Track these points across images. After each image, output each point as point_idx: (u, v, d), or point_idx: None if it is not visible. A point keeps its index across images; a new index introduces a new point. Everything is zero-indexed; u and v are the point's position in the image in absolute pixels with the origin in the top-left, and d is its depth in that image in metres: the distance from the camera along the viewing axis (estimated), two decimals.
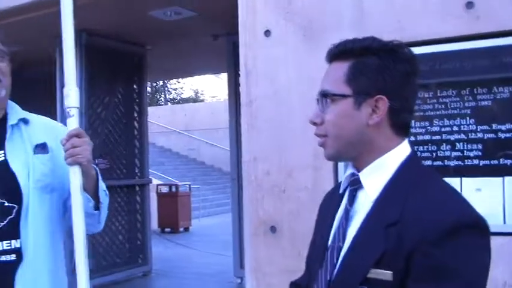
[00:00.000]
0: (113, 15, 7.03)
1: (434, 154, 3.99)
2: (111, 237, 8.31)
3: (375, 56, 1.55)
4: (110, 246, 8.30)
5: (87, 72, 7.82)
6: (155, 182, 15.68)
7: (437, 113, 4.01)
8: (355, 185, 1.60)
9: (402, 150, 1.57)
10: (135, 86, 8.96)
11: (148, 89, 40.17)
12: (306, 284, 1.75)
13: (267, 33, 4.45)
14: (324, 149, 1.63)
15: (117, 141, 8.53)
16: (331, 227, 1.66)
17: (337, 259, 1.56)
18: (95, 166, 2.38)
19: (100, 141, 8.15)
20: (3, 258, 2.20)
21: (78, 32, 7.50)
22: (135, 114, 8.94)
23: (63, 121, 2.36)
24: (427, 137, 4.02)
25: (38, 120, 2.48)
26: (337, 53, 1.61)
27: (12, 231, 2.22)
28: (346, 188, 1.65)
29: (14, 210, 2.23)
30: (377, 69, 1.54)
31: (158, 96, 42.51)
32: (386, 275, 1.41)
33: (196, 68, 11.77)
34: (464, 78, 3.98)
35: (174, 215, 15.26)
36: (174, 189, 15.87)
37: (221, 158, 23.77)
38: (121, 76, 8.64)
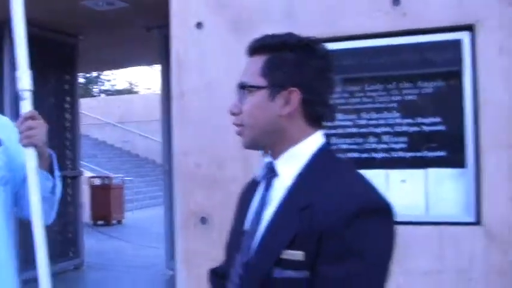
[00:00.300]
0: (44, 4, 6.89)
1: (361, 147, 4.10)
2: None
3: (291, 51, 1.62)
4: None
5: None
6: (88, 174, 15.47)
7: (365, 106, 4.11)
8: (271, 172, 1.67)
9: (315, 141, 1.65)
10: (66, 77, 8.81)
11: (82, 80, 39.60)
12: (225, 270, 1.80)
13: (199, 25, 4.46)
14: (241, 138, 1.70)
15: (48, 133, 8.35)
16: (248, 213, 1.73)
17: (253, 242, 1.63)
18: (50, 150, 2.36)
19: None
20: None
21: (7, 21, 7.32)
22: (67, 106, 8.80)
23: (13, 105, 2.34)
24: (354, 130, 4.12)
25: None
26: (256, 48, 1.68)
27: None
28: (263, 176, 1.71)
29: None
30: (292, 64, 1.61)
31: (92, 88, 41.80)
32: (298, 255, 1.49)
33: (129, 60, 11.66)
34: (391, 73, 4.09)
35: (107, 207, 15.10)
36: (107, 181, 15.70)
37: (155, 150, 23.55)
38: (52, 66, 8.46)
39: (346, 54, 4.12)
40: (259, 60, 1.65)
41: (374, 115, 4.07)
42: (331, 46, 4.21)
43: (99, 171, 19.01)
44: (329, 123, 4.06)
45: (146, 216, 16.55)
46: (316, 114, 1.65)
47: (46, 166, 2.32)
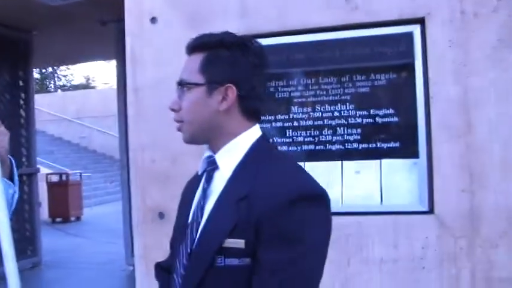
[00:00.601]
0: None
1: (316, 139, 4.14)
2: None
3: (226, 49, 1.70)
4: None
5: None
6: (44, 171, 15.26)
7: (319, 99, 4.16)
8: (212, 166, 1.75)
9: (253, 134, 1.74)
10: (20, 73, 8.69)
11: (37, 76, 39.06)
12: (170, 263, 1.87)
13: (153, 20, 4.45)
14: (182, 134, 1.78)
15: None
16: (191, 206, 1.81)
17: (196, 233, 1.70)
18: (9, 156, 2.34)
19: None
20: None
21: None
22: (21, 102, 8.68)
23: None
24: (309, 123, 4.17)
25: None
26: (194, 46, 1.75)
27: None
28: (204, 170, 1.78)
29: None
30: (227, 61, 1.69)
31: (48, 83, 41.23)
32: (239, 243, 1.58)
33: (85, 55, 11.53)
34: (344, 66, 4.15)
35: (65, 204, 14.93)
36: (64, 178, 15.51)
37: (113, 146, 23.30)
38: (5, 63, 8.36)
39: (300, 48, 4.17)
40: (197, 58, 1.72)
41: (328, 107, 4.12)
42: (285, 40, 4.29)
43: (56, 168, 18.80)
44: (285, 116, 4.12)
45: (105, 212, 16.41)
46: (252, 108, 1.74)
47: (7, 173, 2.31)
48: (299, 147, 4.18)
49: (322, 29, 4.09)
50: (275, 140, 4.19)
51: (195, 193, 1.83)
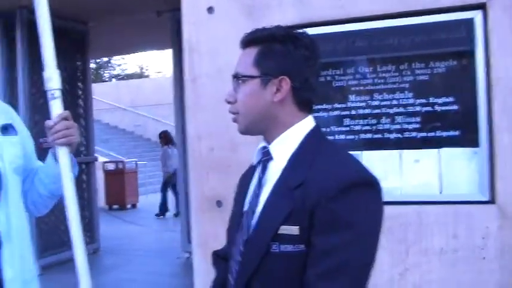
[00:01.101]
0: None
1: (374, 128, 4.11)
2: (57, 216, 8.20)
3: (279, 42, 1.77)
4: (57, 225, 8.24)
5: (30, 50, 7.70)
6: (101, 159, 15.54)
7: (377, 87, 4.12)
8: (266, 156, 1.82)
9: (306, 124, 1.80)
10: (78, 64, 8.86)
11: (92, 65, 39.61)
12: (227, 251, 1.94)
13: (210, 10, 4.46)
14: (237, 125, 1.85)
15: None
16: (247, 195, 1.87)
17: (252, 221, 1.77)
18: None
19: (44, 120, 8.04)
20: None
21: (19, 9, 7.36)
22: (80, 92, 8.86)
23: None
24: (367, 111, 4.13)
25: None
26: (248, 40, 1.82)
27: None
28: (260, 160, 1.85)
29: None
30: (280, 54, 1.76)
31: (102, 73, 41.87)
32: (293, 229, 1.64)
33: (140, 45, 11.66)
34: (403, 54, 4.09)
35: (121, 192, 15.20)
36: (120, 166, 15.75)
37: None
38: (64, 54, 8.47)
39: (357, 36, 4.12)
40: (252, 52, 1.79)
41: (387, 96, 4.08)
42: (342, 28, 4.26)
43: (112, 156, 19.10)
44: (342, 105, 4.09)
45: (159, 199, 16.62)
46: (305, 99, 1.80)
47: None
48: (356, 136, 4.15)
49: (379, 17, 4.04)
50: (332, 129, 4.17)
51: (250, 183, 1.89)
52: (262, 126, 1.81)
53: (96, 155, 9.94)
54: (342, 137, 4.15)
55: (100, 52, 13.30)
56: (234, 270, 1.82)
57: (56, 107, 2.36)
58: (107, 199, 15.29)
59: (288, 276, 1.66)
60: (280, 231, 1.66)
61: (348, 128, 4.17)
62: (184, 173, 7.72)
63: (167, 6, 7.48)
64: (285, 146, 1.78)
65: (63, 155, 2.30)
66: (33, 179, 2.51)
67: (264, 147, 1.84)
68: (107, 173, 15.49)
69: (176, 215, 13.27)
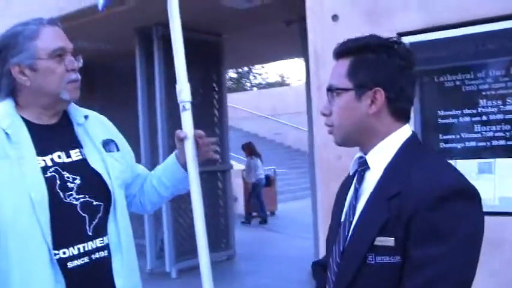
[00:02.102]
0: (187, 7, 7.13)
1: (508, 134, 3.90)
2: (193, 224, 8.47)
3: (372, 52, 1.74)
4: (193, 231, 8.46)
5: (165, 63, 8.04)
6: (240, 167, 15.76)
7: (510, 91, 3.91)
8: (363, 166, 1.81)
9: (402, 134, 1.77)
10: (213, 75, 9.10)
11: (234, 75, 40.66)
12: (326, 262, 1.93)
13: (335, 17, 4.47)
14: (333, 137, 1.84)
15: (197, 129, 8.68)
16: (344, 206, 1.87)
17: (348, 232, 1.76)
18: None
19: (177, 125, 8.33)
20: (98, 255, 2.29)
21: (154, 26, 7.70)
22: (215, 102, 9.09)
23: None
24: (499, 116, 3.93)
25: (92, 116, 2.54)
26: (341, 52, 1.81)
27: (102, 228, 2.32)
28: (356, 170, 1.85)
29: (101, 208, 2.32)
30: (373, 65, 1.73)
31: (244, 82, 42.78)
32: (389, 241, 1.61)
33: (272, 54, 11.79)
34: None
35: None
36: None
37: (306, 142, 23.68)
38: (199, 66, 8.76)
39: (486, 38, 3.94)
40: (345, 64, 1.78)
41: None
42: (469, 31, 4.09)
43: None
44: (472, 111, 3.92)
45: (298, 207, 16.62)
46: (401, 109, 1.77)
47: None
48: (488, 143, 3.95)
49: (508, 17, 3.85)
50: (462, 136, 4.02)
51: (347, 193, 1.88)
52: (358, 137, 1.80)
53: (233, 162, 10.14)
54: (473, 144, 3.98)
55: (235, 63, 13.60)
56: (331, 282, 1.82)
57: (187, 118, 2.56)
58: (245, 206, 15.51)
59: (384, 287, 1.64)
60: (376, 243, 1.64)
61: (479, 135, 3.99)
62: (314, 180, 7.70)
63: (295, 15, 7.52)
64: (381, 156, 1.75)
65: (192, 167, 2.49)
66: (142, 183, 2.69)
67: (361, 157, 1.83)
68: (246, 180, 15.69)
69: (261, 222, 14.50)
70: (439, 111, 4.08)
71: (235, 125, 27.72)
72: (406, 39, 4.01)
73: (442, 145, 4.06)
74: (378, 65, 1.72)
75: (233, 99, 30.45)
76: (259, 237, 12.12)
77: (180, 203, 8.30)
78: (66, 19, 7.02)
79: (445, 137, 4.07)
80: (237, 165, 15.06)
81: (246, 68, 39.07)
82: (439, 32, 3.93)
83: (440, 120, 4.08)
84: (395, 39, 1.80)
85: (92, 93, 9.62)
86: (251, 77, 43.48)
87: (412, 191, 1.59)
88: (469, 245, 1.56)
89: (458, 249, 1.54)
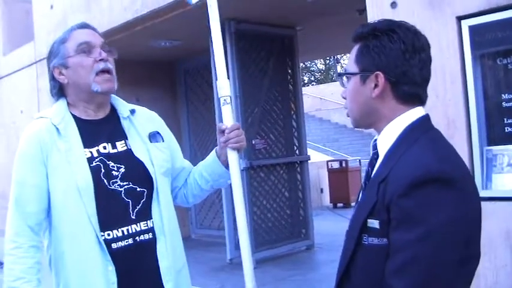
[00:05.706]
0: (259, 2, 7.25)
1: None
2: (272, 214, 8.66)
3: (375, 37, 1.80)
4: (273, 222, 8.65)
5: (239, 58, 8.19)
6: (326, 158, 15.72)
7: None
8: (374, 149, 1.90)
9: (407, 117, 1.80)
10: (288, 67, 9.16)
11: (322, 66, 40.45)
12: None
13: (393, 4, 4.46)
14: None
15: (273, 122, 8.86)
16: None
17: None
18: None
19: (256, 123, 8.51)
20: (143, 237, 2.51)
21: (227, 21, 7.85)
22: (290, 95, 9.15)
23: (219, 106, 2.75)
24: None
25: (140, 110, 2.77)
26: (354, 37, 1.89)
27: (145, 212, 2.54)
28: (372, 153, 1.93)
29: (145, 194, 2.55)
30: (375, 49, 1.80)
31: (332, 73, 42.57)
32: (375, 223, 1.69)
33: (346, 45, 11.66)
34: None
35: (345, 190, 15.28)
36: (344, 164, 15.89)
37: None
38: (274, 59, 8.87)
39: None
40: (355, 49, 1.87)
41: None
42: None
43: (338, 155, 19.38)
44: None
45: None
46: (405, 93, 1.79)
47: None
48: None
49: None
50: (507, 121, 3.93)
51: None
52: (368, 120, 1.88)
53: (320, 154, 10.05)
54: None
55: (311, 54, 13.58)
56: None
57: (227, 112, 2.63)
58: (331, 197, 15.53)
59: (378, 269, 1.68)
60: (368, 224, 1.72)
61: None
62: None
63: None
64: (386, 140, 1.81)
65: (233, 159, 2.61)
66: (186, 176, 2.86)
67: (375, 140, 1.91)
68: (331, 171, 15.72)
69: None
70: (503, 95, 3.99)
71: (324, 116, 27.71)
72: (466, 23, 3.96)
73: (508, 129, 3.97)
74: (379, 49, 1.78)
75: (321, 91, 30.41)
76: (342, 227, 12.06)
77: (258, 195, 8.48)
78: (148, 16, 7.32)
79: (510, 121, 3.98)
80: (326, 156, 15.03)
81: (331, 58, 38.77)
82: (501, 12, 3.85)
83: (504, 104, 3.99)
84: (403, 22, 1.84)
85: (174, 92, 10.05)
86: (339, 68, 43.15)
87: (393, 177, 1.66)
88: (440, 232, 1.56)
89: (428, 236, 1.55)
